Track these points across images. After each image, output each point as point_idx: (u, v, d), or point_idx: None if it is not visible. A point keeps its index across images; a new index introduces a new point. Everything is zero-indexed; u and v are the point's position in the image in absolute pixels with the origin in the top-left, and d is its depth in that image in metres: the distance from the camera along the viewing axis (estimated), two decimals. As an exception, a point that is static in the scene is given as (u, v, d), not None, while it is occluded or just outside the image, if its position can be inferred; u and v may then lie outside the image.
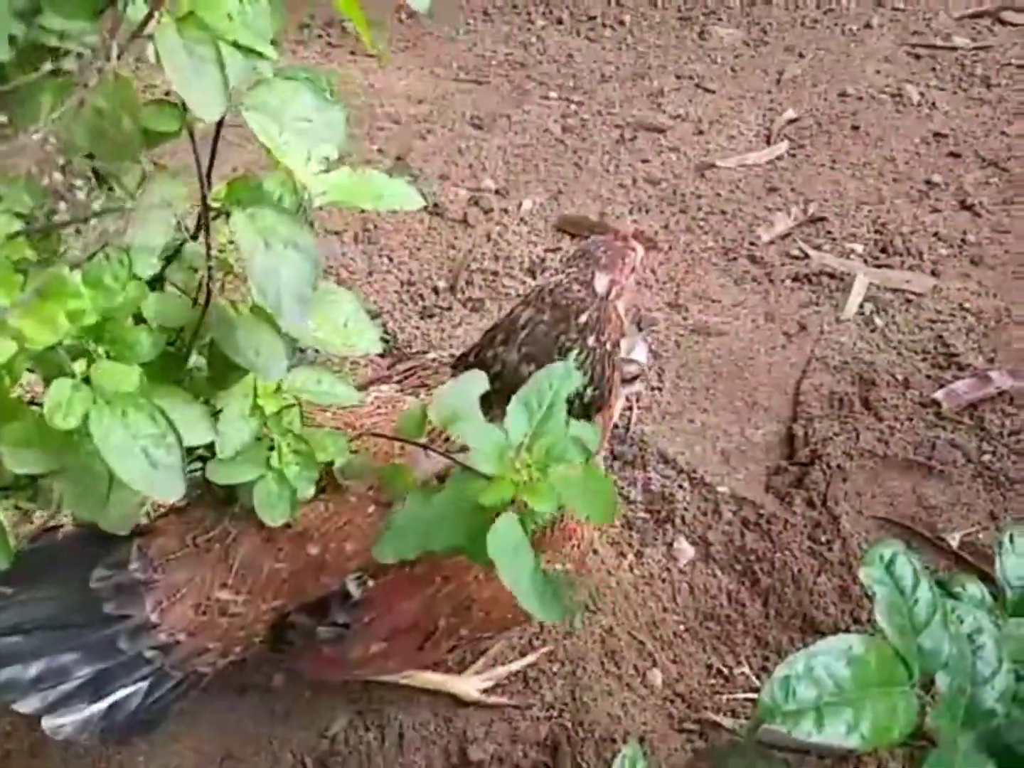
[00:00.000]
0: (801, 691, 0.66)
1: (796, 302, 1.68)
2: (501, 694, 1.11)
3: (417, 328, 1.64)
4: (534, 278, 1.74)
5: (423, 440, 0.85)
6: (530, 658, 1.14)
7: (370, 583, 0.91)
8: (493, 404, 0.80)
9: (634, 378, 1.48)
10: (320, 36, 2.62)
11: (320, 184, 0.63)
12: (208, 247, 0.59)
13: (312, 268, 0.57)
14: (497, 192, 2.01)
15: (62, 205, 0.45)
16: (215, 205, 0.57)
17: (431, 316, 1.67)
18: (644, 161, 2.09)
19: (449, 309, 1.68)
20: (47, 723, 0.85)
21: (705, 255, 1.79)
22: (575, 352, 0.97)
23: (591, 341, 0.98)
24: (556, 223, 1.90)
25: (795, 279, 1.73)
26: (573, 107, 2.32)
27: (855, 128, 2.20)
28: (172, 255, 0.69)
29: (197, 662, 0.91)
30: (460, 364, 1.02)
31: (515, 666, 1.14)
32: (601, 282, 1.01)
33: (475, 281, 1.74)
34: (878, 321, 1.62)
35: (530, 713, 1.09)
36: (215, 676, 0.93)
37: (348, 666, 0.98)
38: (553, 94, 2.38)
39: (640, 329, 1.60)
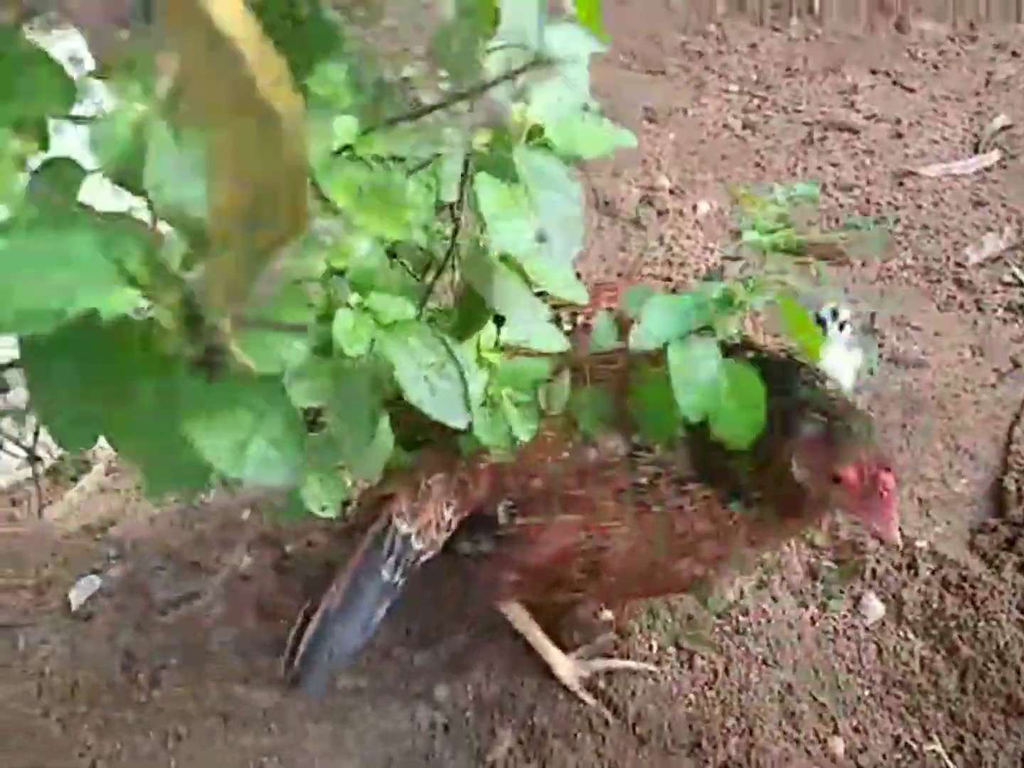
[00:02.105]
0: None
1: (1009, 335, 1.51)
2: (594, 696, 1.10)
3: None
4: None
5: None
6: (631, 664, 1.12)
7: (518, 519, 0.97)
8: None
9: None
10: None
11: (548, 131, 0.59)
12: (464, 187, 0.58)
13: (579, 214, 0.56)
14: (672, 192, 1.91)
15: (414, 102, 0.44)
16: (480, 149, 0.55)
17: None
18: (834, 165, 1.94)
19: (621, 316, 1.61)
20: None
21: (904, 274, 1.64)
22: None
23: None
24: (736, 229, 1.78)
25: (1008, 309, 1.56)
26: (756, 102, 2.18)
27: (1077, 138, 1.97)
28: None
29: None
30: None
31: (616, 663, 1.12)
32: None
33: (648, 287, 1.66)
34: (1107, 365, 1.44)
35: (702, 770, 1.02)
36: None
37: (481, 584, 1.05)
38: (734, 87, 2.25)
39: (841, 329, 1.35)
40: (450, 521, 0.99)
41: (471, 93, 0.48)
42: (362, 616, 0.97)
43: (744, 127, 2.10)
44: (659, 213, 1.85)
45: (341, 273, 0.56)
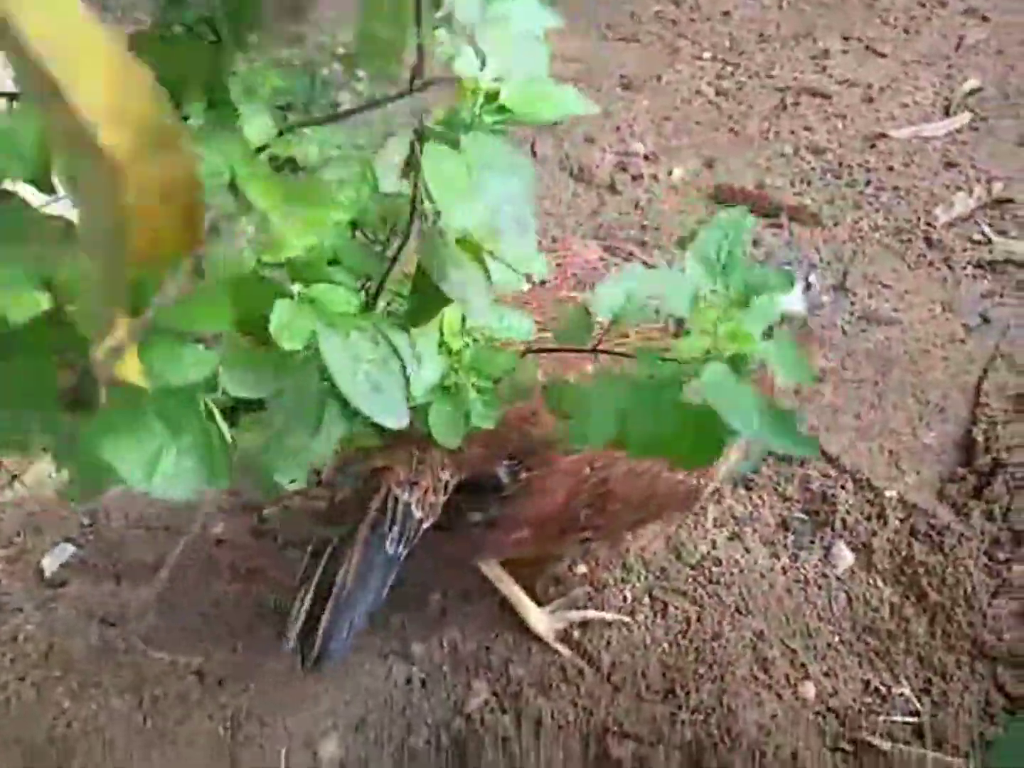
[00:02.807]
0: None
1: (978, 292, 1.53)
2: (569, 647, 1.11)
3: (561, 297, 1.58)
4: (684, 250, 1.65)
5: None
6: (606, 615, 1.13)
7: (523, 475, 0.96)
8: None
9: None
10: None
11: (504, 95, 0.58)
12: (416, 171, 0.56)
13: (528, 191, 0.53)
14: (646, 157, 1.91)
15: (343, 96, 0.42)
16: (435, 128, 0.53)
17: (575, 286, 1.61)
18: (807, 129, 1.94)
19: (594, 279, 1.61)
20: None
21: (875, 235, 1.65)
22: None
23: None
24: (711, 193, 1.79)
25: (977, 266, 1.57)
26: (729, 68, 2.18)
27: (1046, 100, 1.98)
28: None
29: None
30: None
31: (590, 615, 1.13)
32: None
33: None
34: (1074, 318, 1.46)
35: (676, 715, 1.03)
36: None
37: (487, 549, 1.05)
38: (707, 54, 2.25)
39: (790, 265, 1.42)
40: (447, 483, 0.98)
41: (392, 96, 0.46)
42: (374, 589, 0.98)
43: (718, 93, 2.10)
44: (633, 178, 1.85)
45: (282, 265, 0.54)
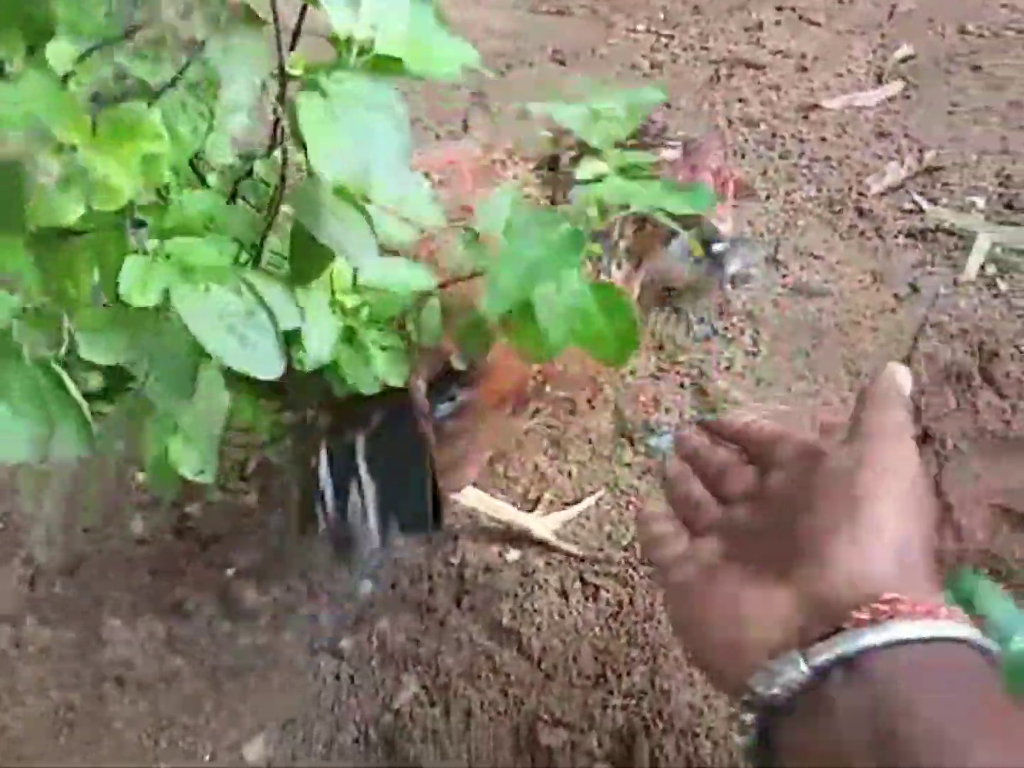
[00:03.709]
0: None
1: (909, 261, 1.53)
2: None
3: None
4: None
5: None
6: (590, 500, 1.20)
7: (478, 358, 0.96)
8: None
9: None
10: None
11: (378, 42, 0.54)
12: (280, 119, 0.52)
13: (404, 135, 0.50)
14: (580, 133, 1.87)
15: (149, 30, 0.37)
16: (294, 73, 0.49)
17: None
18: (741, 100, 1.92)
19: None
20: None
21: (808, 206, 1.64)
22: None
23: None
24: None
25: (908, 235, 1.57)
26: (663, 41, 2.15)
27: (976, 68, 1.98)
28: (247, 172, 0.63)
29: None
30: None
31: (581, 506, 1.18)
32: None
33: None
34: (1002, 285, 1.46)
35: (608, 700, 1.02)
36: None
37: (459, 439, 1.03)
38: (641, 27, 2.22)
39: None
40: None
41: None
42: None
43: (652, 66, 2.07)
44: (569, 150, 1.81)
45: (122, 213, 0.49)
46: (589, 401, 1.33)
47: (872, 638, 0.49)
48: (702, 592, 0.61)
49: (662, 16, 2.25)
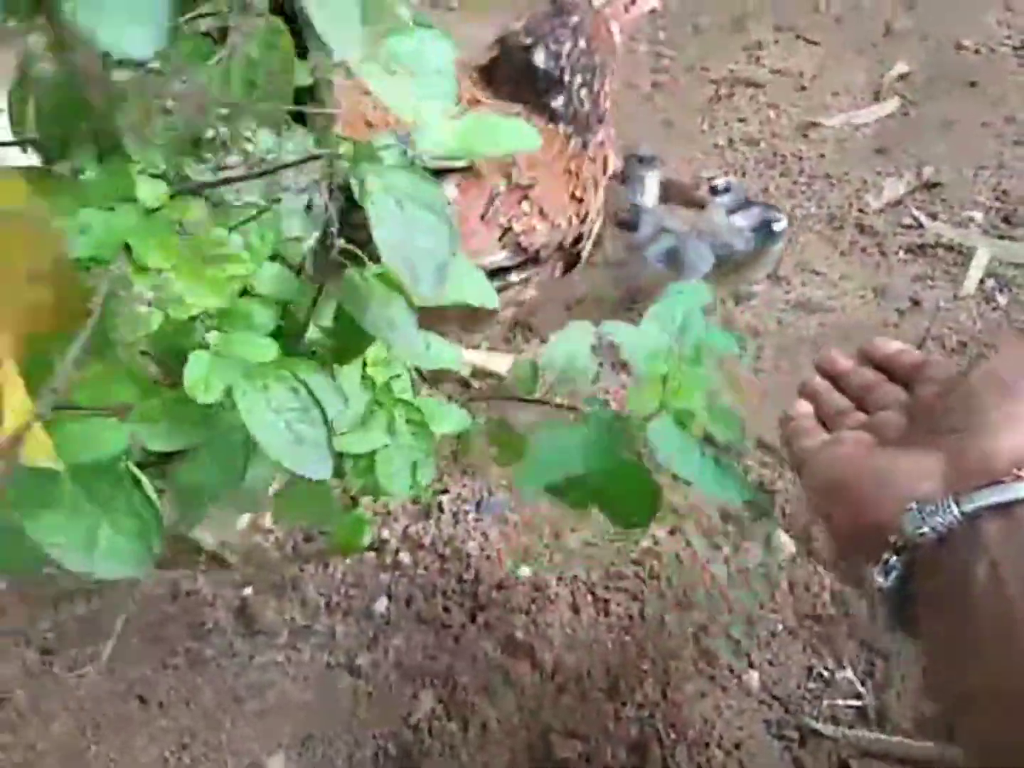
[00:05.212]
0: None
1: (909, 276, 1.55)
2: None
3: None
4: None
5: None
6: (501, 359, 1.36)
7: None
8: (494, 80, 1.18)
9: (634, 220, 1.45)
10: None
11: (440, 135, 0.57)
12: (334, 211, 0.54)
13: (449, 232, 0.51)
14: (583, 153, 1.91)
15: (232, 159, 0.40)
16: (343, 164, 0.51)
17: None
18: (741, 120, 1.96)
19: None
20: None
21: (808, 223, 1.67)
22: (567, 46, 1.17)
23: (582, 43, 1.18)
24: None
25: (908, 251, 1.60)
26: (664, 61, 2.19)
27: (973, 84, 2.02)
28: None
29: None
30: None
31: (498, 360, 1.34)
32: None
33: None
34: (1000, 299, 1.49)
35: (620, 712, 1.04)
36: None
37: None
38: (642, 47, 2.26)
39: (641, 162, 1.59)
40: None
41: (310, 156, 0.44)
42: None
43: (652, 86, 2.11)
44: (571, 175, 1.85)
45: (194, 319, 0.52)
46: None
47: None
48: (852, 458, 0.61)
49: (663, 36, 2.29)
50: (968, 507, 0.52)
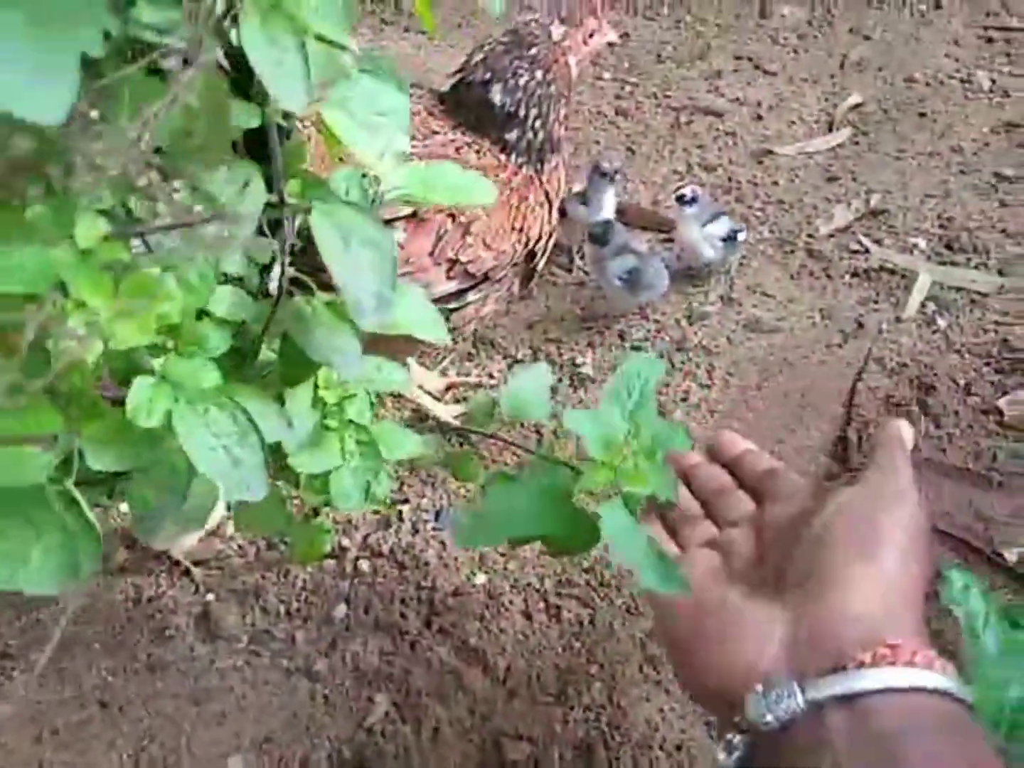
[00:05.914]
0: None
1: (855, 299, 1.62)
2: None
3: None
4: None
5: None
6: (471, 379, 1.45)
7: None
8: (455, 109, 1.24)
9: (604, 234, 1.51)
10: (372, 12, 2.59)
11: (397, 178, 0.61)
12: (283, 244, 0.57)
13: (391, 267, 0.54)
14: (548, 176, 1.97)
15: (160, 206, 0.43)
16: (291, 202, 0.55)
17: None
18: (699, 146, 2.03)
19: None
20: None
21: (760, 247, 1.74)
22: (524, 78, 1.21)
23: (539, 75, 1.22)
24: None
25: (854, 275, 1.67)
26: (628, 89, 2.27)
27: (922, 115, 2.11)
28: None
29: None
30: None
31: (463, 379, 1.45)
32: (557, 30, 1.24)
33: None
34: (940, 322, 1.56)
35: (568, 715, 1.08)
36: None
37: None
38: (607, 75, 2.33)
39: (603, 175, 1.64)
40: None
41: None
42: None
43: (616, 113, 2.18)
44: (535, 197, 1.90)
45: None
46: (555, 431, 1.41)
47: (871, 682, 0.50)
48: (699, 601, 0.61)
49: (627, 64, 2.37)
50: (812, 695, 0.51)
